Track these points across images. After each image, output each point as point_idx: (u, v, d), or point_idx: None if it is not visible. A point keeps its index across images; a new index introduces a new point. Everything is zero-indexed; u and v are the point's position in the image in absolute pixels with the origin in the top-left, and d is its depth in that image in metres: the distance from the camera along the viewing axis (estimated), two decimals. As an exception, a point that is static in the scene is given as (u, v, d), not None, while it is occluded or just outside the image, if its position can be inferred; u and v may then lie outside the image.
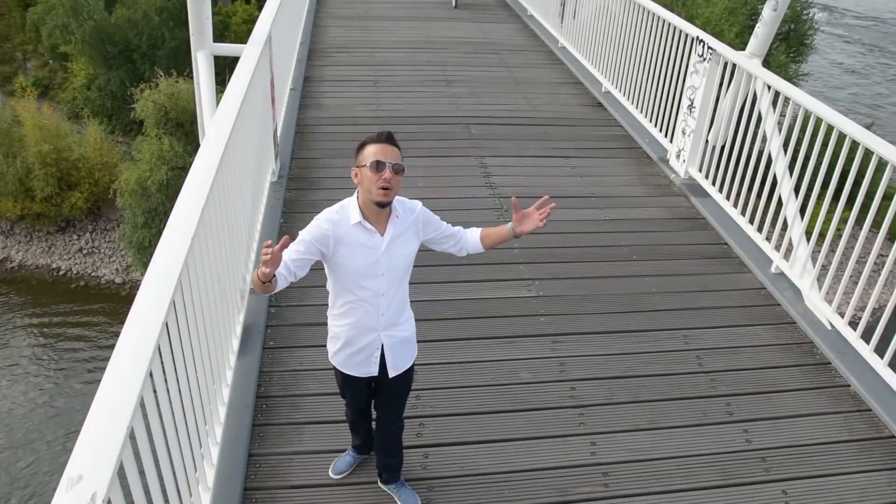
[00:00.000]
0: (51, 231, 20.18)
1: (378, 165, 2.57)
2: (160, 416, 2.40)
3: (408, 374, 3.00)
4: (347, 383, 2.97)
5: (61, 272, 19.59)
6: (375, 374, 2.89)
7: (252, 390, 3.70)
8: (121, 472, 1.97)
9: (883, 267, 4.00)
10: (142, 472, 2.09)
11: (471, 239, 2.97)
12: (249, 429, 3.48)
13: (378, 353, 2.85)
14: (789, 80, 16.81)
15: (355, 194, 2.72)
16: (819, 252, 4.63)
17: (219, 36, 20.79)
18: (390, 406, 3.07)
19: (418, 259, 2.87)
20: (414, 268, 2.86)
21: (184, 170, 16.38)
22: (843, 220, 4.35)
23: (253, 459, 3.34)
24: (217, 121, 3.84)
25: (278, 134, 5.91)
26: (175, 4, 20.48)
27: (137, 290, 2.49)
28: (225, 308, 3.65)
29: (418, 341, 4.07)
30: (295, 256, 2.69)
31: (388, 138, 2.64)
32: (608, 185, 6.18)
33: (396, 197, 2.72)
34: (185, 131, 16.99)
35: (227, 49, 5.50)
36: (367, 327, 2.80)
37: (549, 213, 2.84)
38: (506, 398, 3.83)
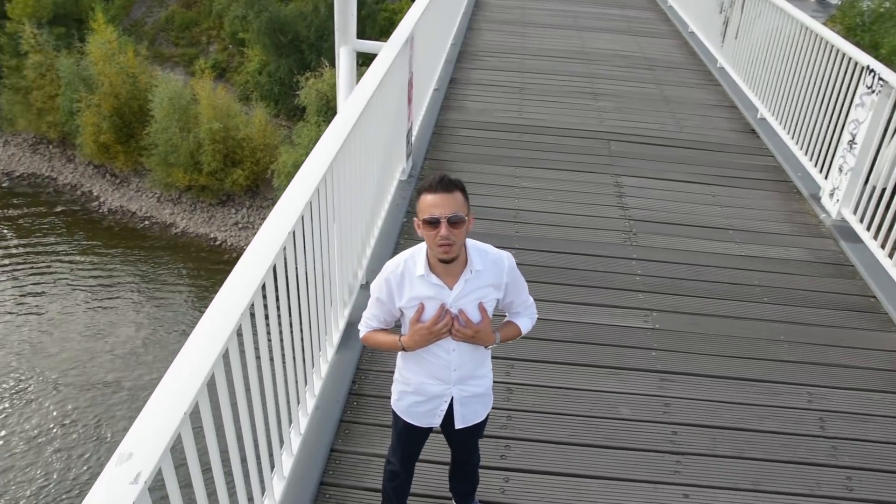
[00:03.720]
0: (212, 203, 21.69)
1: (432, 223, 2.30)
2: (248, 399, 2.47)
3: (478, 423, 2.79)
4: (406, 431, 2.76)
5: (217, 242, 21.00)
6: (437, 425, 2.72)
7: (345, 386, 3.74)
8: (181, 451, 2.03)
9: None
10: (204, 452, 2.14)
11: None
12: (336, 424, 3.52)
13: (445, 406, 2.65)
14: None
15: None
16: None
17: (385, 33, 21.56)
18: (462, 447, 2.91)
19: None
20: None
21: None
22: None
23: (334, 455, 3.37)
24: (346, 110, 3.94)
25: (413, 134, 5.97)
26: (345, -1, 21.37)
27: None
28: (332, 301, 3.73)
29: (517, 359, 4.03)
30: (376, 324, 2.61)
31: (442, 185, 2.32)
32: (749, 218, 5.78)
33: (478, 245, 2.49)
34: (342, 121, 17.68)
35: (369, 46, 5.61)
36: (438, 379, 2.60)
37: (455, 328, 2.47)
38: (600, 432, 3.65)
